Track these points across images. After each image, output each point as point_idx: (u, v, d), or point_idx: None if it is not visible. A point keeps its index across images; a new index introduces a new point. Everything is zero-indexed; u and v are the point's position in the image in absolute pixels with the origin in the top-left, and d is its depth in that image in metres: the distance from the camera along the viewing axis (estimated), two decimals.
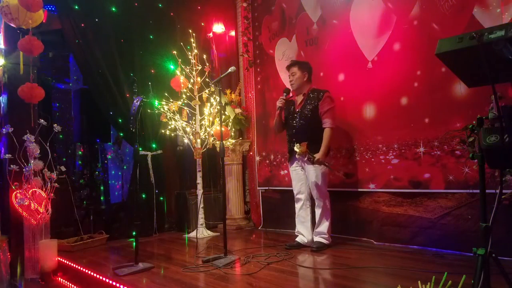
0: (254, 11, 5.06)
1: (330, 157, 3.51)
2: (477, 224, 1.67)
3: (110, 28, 4.51)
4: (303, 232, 3.49)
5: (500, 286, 1.69)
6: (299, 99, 3.53)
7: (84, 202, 5.05)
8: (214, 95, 4.45)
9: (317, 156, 3.24)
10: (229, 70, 3.24)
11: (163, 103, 4.32)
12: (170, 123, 4.36)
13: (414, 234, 3.27)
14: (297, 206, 3.55)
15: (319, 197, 3.36)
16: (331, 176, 3.92)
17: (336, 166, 3.66)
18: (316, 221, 3.41)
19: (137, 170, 3.79)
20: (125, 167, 6.24)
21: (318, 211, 3.39)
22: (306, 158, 3.30)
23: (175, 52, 4.44)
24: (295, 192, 3.56)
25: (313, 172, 3.33)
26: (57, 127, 3.60)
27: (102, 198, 5.90)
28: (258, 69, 4.96)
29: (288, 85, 3.79)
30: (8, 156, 3.41)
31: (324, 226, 3.37)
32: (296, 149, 3.24)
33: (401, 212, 3.39)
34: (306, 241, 3.46)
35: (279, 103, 3.50)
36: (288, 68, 3.54)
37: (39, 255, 3.36)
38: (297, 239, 3.51)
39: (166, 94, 4.34)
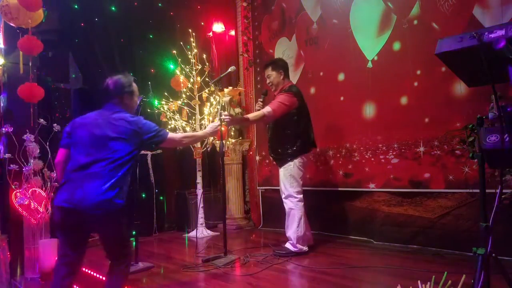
0: (254, 10, 5.06)
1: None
2: (477, 224, 1.67)
3: (110, 28, 4.51)
4: None
5: (500, 286, 1.69)
6: None
7: None
8: (214, 95, 4.45)
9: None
10: (229, 70, 3.24)
11: (163, 102, 4.32)
12: (170, 122, 4.36)
13: (414, 233, 3.27)
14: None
15: (284, 198, 3.20)
16: (330, 175, 3.92)
17: (335, 165, 3.61)
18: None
19: (137, 170, 3.78)
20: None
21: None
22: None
23: (175, 51, 4.43)
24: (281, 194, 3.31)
25: (281, 172, 3.20)
26: (57, 127, 3.60)
27: None
28: (258, 69, 4.96)
29: None
30: (8, 155, 3.41)
31: (291, 232, 3.13)
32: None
33: (401, 212, 3.39)
34: None
35: (257, 107, 3.31)
36: (264, 71, 3.38)
37: (39, 255, 3.36)
38: None
39: (166, 93, 4.33)
